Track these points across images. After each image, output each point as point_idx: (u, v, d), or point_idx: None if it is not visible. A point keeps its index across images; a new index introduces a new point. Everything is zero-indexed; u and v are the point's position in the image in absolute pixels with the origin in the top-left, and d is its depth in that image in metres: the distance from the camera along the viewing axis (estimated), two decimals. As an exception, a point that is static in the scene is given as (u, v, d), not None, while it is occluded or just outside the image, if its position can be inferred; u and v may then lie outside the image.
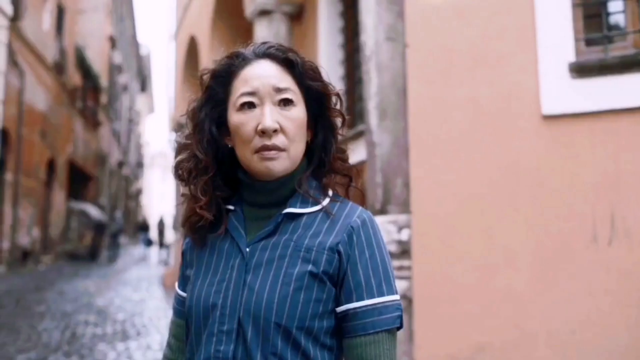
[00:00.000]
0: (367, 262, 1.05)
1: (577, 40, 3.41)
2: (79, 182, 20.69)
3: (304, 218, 1.09)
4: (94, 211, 19.35)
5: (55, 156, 16.24)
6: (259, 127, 1.04)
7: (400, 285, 3.61)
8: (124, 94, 32.64)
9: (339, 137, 1.17)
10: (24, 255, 13.61)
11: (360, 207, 1.12)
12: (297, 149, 1.09)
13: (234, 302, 1.04)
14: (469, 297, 3.41)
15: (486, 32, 3.54)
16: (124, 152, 33.53)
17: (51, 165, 16.03)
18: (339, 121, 1.16)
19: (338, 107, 1.16)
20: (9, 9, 11.18)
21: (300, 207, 1.09)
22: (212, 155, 1.13)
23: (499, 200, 3.43)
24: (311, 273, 1.03)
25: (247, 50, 1.13)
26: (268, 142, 1.04)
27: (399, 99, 3.91)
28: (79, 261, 17.04)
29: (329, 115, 1.15)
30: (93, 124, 22.28)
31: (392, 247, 3.67)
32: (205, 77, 1.15)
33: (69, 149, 18.12)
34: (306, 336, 1.02)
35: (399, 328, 1.06)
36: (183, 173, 1.15)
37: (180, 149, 1.18)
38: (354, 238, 1.06)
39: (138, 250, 25.44)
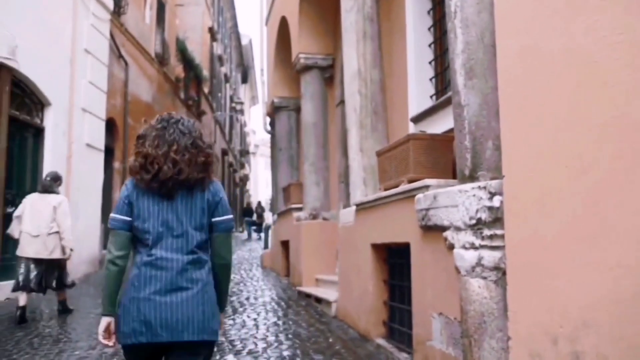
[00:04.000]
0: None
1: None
2: (184, 170, 21.43)
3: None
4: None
5: (160, 145, 16.91)
6: None
7: (493, 255, 3.34)
8: (225, 84, 33.57)
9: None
10: (134, 240, 14.28)
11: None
12: None
13: None
14: (569, 268, 3.07)
15: (585, -28, 3.15)
16: (228, 140, 34.54)
17: (157, 154, 16.69)
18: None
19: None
20: (110, 3, 11.67)
21: None
22: None
23: (603, 161, 3.05)
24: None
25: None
26: None
27: (487, 56, 3.60)
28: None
29: None
30: (196, 113, 23.04)
31: (483, 215, 3.39)
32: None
33: (173, 137, 18.80)
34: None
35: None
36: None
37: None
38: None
39: (244, 234, 26.31)
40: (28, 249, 6.58)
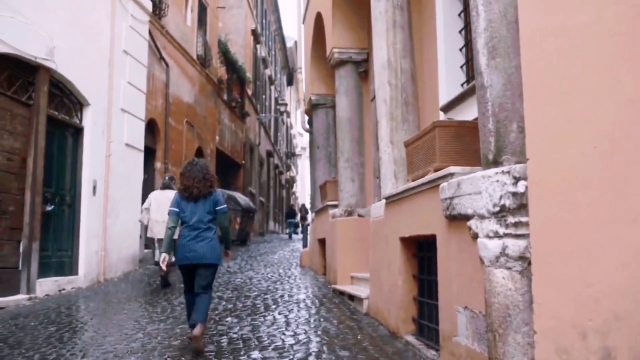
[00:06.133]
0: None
1: None
2: (227, 171, 21.63)
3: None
4: (242, 198, 20.11)
5: (203, 146, 17.05)
6: None
7: (517, 244, 3.13)
8: (270, 86, 33.70)
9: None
10: (177, 239, 14.45)
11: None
12: None
13: None
14: (599, 256, 2.83)
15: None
16: (273, 142, 34.66)
17: (199, 154, 16.81)
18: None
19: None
20: (148, 5, 11.80)
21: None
22: None
23: (633, 141, 2.82)
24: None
25: None
26: None
27: (510, 33, 3.39)
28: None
29: None
30: (240, 115, 23.18)
31: (507, 201, 3.18)
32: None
33: (216, 138, 18.97)
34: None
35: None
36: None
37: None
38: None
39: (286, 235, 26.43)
40: (156, 230, 9.03)
